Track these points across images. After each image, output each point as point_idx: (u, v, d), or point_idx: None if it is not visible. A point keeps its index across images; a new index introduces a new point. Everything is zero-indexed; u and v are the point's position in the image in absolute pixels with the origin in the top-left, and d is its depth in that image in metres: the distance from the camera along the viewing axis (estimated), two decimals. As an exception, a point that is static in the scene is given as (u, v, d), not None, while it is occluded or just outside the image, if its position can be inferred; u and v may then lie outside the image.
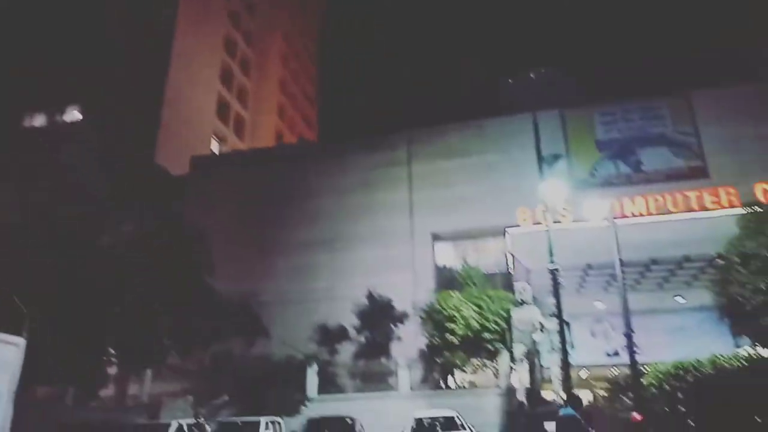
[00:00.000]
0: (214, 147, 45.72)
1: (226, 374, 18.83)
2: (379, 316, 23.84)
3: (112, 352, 15.76)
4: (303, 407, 18.49)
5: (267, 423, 15.52)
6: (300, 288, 27.42)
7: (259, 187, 30.00)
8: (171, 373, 18.58)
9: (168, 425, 14.81)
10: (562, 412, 9.95)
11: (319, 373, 20.21)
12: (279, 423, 16.27)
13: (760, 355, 9.91)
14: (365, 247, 27.75)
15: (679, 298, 26.94)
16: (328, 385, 20.15)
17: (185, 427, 15.09)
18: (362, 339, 24.44)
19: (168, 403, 19.16)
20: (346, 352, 23.94)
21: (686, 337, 24.13)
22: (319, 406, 17.65)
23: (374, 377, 20.86)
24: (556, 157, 26.39)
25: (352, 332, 24.38)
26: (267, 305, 23.28)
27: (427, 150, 28.90)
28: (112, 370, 17.45)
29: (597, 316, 28.22)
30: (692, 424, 9.71)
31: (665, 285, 26.41)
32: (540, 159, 25.58)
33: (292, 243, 28.56)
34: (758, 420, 8.82)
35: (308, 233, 28.56)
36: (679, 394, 9.94)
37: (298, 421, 16.59)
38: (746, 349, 9.95)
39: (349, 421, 14.99)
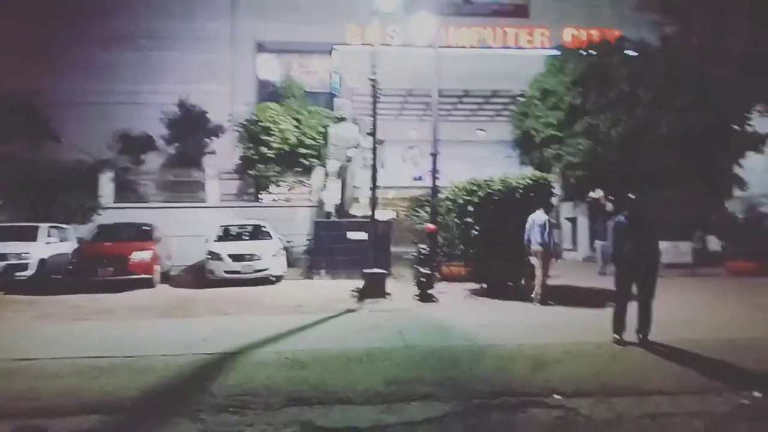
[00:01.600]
0: None
1: (7, 179, 16.42)
2: (191, 128, 22.20)
3: None
4: (96, 215, 17.13)
5: (48, 229, 14.08)
6: (99, 89, 23.85)
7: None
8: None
9: None
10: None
11: (119, 182, 18.59)
12: (65, 229, 14.92)
13: (543, 175, 11.16)
14: (179, 49, 24.63)
15: (480, 132, 29.53)
16: (129, 194, 18.75)
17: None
18: (171, 150, 22.82)
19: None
20: (152, 162, 22.30)
21: (481, 166, 26.61)
22: (118, 215, 16.43)
23: (183, 189, 19.91)
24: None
25: (160, 143, 22.58)
26: (57, 106, 20.16)
27: (255, -56, 25.23)
28: None
29: (410, 143, 29.92)
30: (476, 231, 10.89)
31: (472, 118, 28.52)
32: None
33: (90, 36, 24.12)
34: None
35: (110, 26, 24.24)
36: (470, 207, 10.96)
37: (90, 228, 15.33)
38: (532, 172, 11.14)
39: (146, 228, 14.26)
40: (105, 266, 12.39)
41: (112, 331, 8.04)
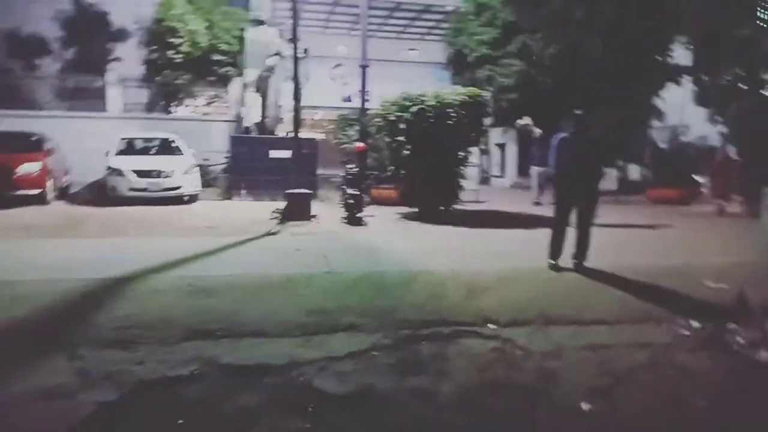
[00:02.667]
0: None
1: None
2: (90, 29, 19.69)
3: None
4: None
5: None
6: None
7: None
8: None
9: None
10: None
11: (4, 86, 16.20)
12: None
13: (478, 92, 10.48)
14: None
15: (412, 51, 28.32)
16: (17, 101, 16.44)
17: None
18: (68, 55, 20.30)
19: None
20: (49, 67, 19.76)
21: (413, 87, 25.72)
22: (5, 123, 14.29)
23: (83, 97, 17.77)
24: None
25: (55, 46, 19.98)
26: None
27: None
28: None
29: (338, 60, 28.22)
30: (407, 151, 10.20)
31: (403, 35, 27.18)
32: None
33: None
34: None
35: None
36: (401, 125, 10.19)
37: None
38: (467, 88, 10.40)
39: (36, 138, 12.47)
40: (-16, 180, 10.73)
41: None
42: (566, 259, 6.49)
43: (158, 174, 11.99)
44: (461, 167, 10.44)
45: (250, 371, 3.79)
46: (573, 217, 6.46)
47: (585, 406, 3.45)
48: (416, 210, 11.02)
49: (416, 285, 5.75)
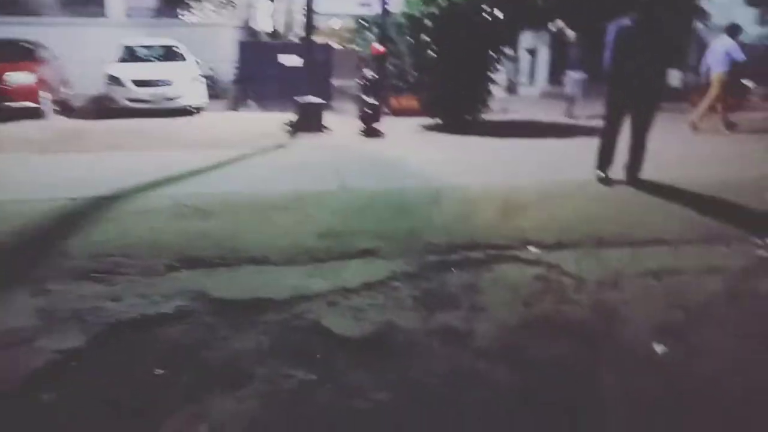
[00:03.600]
0: None
1: None
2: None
3: None
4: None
5: None
6: None
7: None
8: None
9: None
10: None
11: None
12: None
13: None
14: None
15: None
16: (11, 6, 15.31)
17: None
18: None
19: None
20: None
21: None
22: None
23: (81, 2, 16.53)
24: None
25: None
26: None
27: None
28: None
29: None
30: (433, 53, 9.09)
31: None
32: None
33: None
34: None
35: None
36: (427, 21, 9.01)
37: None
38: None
39: (28, 46, 11.54)
40: (-28, 91, 9.98)
41: None
42: (617, 171, 5.63)
43: (159, 83, 11.09)
44: (493, 70, 9.33)
45: (245, 307, 3.15)
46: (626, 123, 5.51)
47: (657, 348, 2.75)
48: (440, 121, 10.07)
49: (442, 203, 5.00)
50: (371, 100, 9.12)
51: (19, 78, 10.35)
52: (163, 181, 5.47)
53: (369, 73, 9.80)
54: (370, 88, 9.37)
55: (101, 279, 3.47)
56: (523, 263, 3.86)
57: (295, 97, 9.08)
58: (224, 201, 4.85)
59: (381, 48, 10.38)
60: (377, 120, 9.16)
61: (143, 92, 10.92)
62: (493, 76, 9.47)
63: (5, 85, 10.18)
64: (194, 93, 11.53)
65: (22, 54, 11.22)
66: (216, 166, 6.28)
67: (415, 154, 7.36)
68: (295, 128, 8.96)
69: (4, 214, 4.40)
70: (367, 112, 9.11)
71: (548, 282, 3.59)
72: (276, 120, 10.18)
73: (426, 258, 3.87)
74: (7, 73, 10.29)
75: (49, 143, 7.77)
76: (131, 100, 10.92)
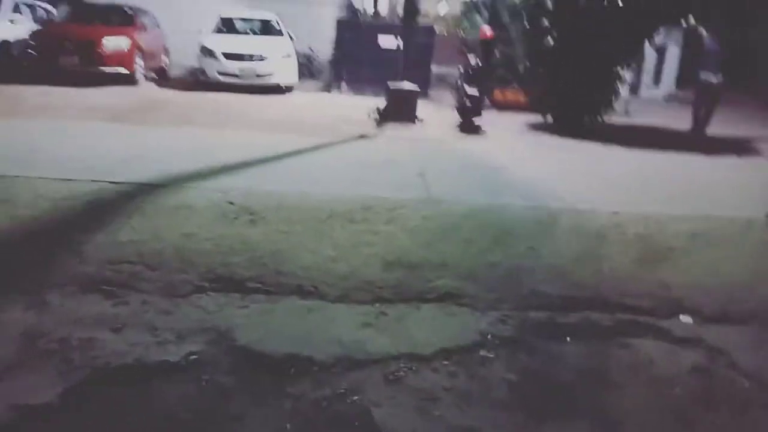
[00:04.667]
0: None
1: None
2: None
3: None
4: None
5: (16, 4, 11.48)
6: None
7: None
8: None
9: None
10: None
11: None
12: (36, 8, 12.21)
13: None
14: None
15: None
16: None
17: None
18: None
19: None
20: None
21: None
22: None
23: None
24: None
25: None
26: None
27: None
28: None
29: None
30: (552, 40, 7.78)
31: None
32: None
33: None
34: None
35: None
36: (549, 2, 7.70)
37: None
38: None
39: (128, 11, 11.40)
40: (68, 54, 9.88)
41: (18, 133, 5.80)
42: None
43: (251, 58, 10.53)
44: (624, 66, 7.85)
45: (275, 367, 2.27)
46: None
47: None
48: (550, 120, 8.74)
49: (557, 233, 3.85)
50: (473, 91, 7.98)
51: (113, 42, 10.18)
52: (220, 169, 4.73)
53: (473, 59, 8.62)
54: (472, 76, 8.21)
55: (111, 294, 2.73)
56: (672, 341, 2.70)
57: (388, 83, 8.10)
58: (280, 202, 4.00)
59: (489, 31, 9.14)
60: (478, 114, 8.03)
61: (234, 66, 10.43)
62: (622, 73, 7.99)
63: (102, 49, 10.04)
64: (286, 71, 10.90)
65: (122, 19, 11.09)
66: (285, 156, 5.47)
67: (522, 159, 6.18)
68: (384, 117, 8.02)
69: (28, 195, 3.80)
70: (466, 104, 7.99)
71: (712, 379, 2.41)
72: (367, 106, 9.31)
73: (529, 314, 2.81)
74: (105, 37, 10.15)
75: (125, 112, 7.36)
76: (221, 74, 10.47)
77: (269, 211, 3.78)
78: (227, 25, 11.87)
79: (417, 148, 6.31)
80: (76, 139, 5.64)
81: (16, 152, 4.89)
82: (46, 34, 10.29)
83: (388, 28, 11.99)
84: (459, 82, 8.71)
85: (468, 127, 7.96)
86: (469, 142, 7.20)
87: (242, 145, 5.80)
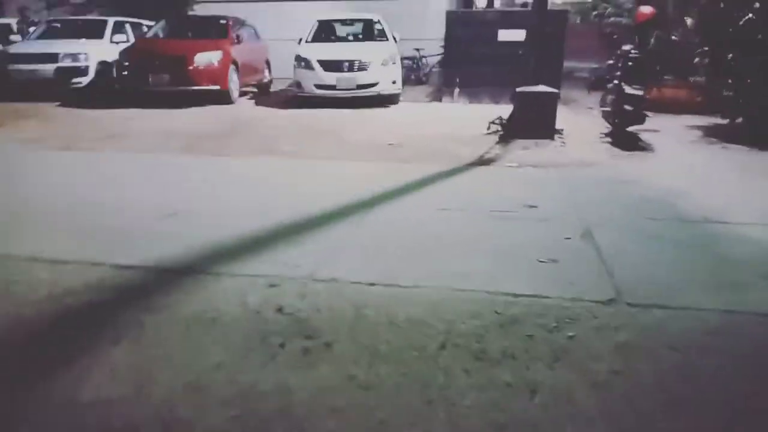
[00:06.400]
0: None
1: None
2: None
3: None
4: (190, 10, 13.76)
5: (118, 24, 11.17)
6: None
7: None
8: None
9: None
10: None
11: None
12: (141, 26, 11.88)
13: None
14: None
15: None
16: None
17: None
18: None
19: None
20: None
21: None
22: (216, 10, 12.94)
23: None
24: None
25: None
26: None
27: None
28: None
29: None
30: (751, 15, 5.53)
31: None
32: None
33: None
34: None
35: None
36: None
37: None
38: None
39: (222, 22, 10.50)
40: (159, 71, 9.17)
41: (54, 170, 4.80)
42: None
43: (351, 66, 9.18)
44: None
45: None
46: None
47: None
48: (729, 123, 6.46)
49: None
50: (635, 91, 5.92)
51: (205, 57, 9.35)
52: (280, 233, 3.27)
53: (628, 49, 6.52)
54: (631, 72, 6.15)
55: None
56: None
57: (516, 88, 6.25)
58: (359, 307, 2.40)
59: (649, 9, 6.96)
60: (641, 121, 5.97)
61: (331, 77, 9.13)
62: None
63: (193, 66, 9.24)
64: (390, 79, 9.39)
65: (216, 32, 10.28)
66: (375, 202, 3.89)
67: (735, 196, 4.09)
68: (510, 131, 6.22)
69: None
70: (624, 110, 5.97)
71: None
72: (484, 116, 7.57)
73: None
74: (197, 54, 9.35)
75: (202, 140, 6.26)
76: (318, 86, 9.21)
77: (339, 330, 2.22)
78: (325, 30, 10.65)
79: (565, 181, 4.46)
80: (116, 181, 4.52)
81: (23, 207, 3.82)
82: (136, 51, 9.71)
83: (509, 17, 10.11)
84: (609, 79, 6.66)
85: (626, 140, 5.94)
86: (636, 164, 5.16)
87: (323, 184, 4.36)
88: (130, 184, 4.39)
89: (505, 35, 9.83)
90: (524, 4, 11.84)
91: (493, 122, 6.52)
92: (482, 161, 5.15)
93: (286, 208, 3.68)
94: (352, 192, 4.06)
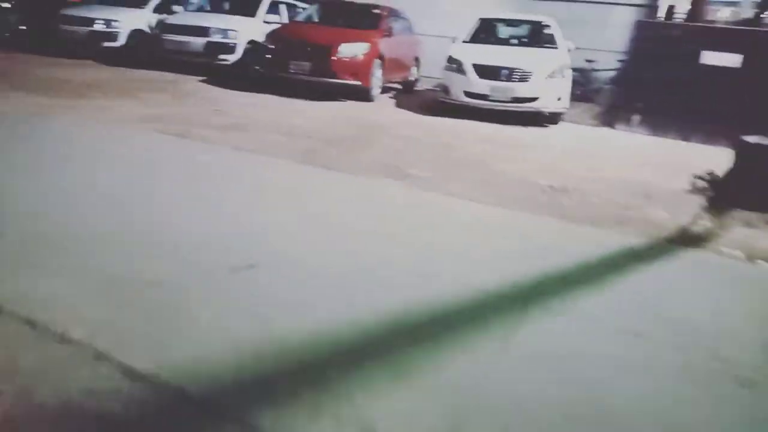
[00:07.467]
0: None
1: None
2: None
3: None
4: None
5: (273, 4, 10.87)
6: None
7: None
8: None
9: None
10: None
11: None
12: (295, 6, 11.47)
13: None
14: None
15: None
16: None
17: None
18: None
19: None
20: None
21: None
22: None
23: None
24: None
25: None
26: None
27: None
28: None
29: None
30: None
31: None
32: None
33: None
34: None
35: None
36: None
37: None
38: None
39: (375, 12, 9.64)
40: (300, 59, 8.50)
41: (152, 170, 4.08)
42: None
43: (510, 74, 7.84)
44: None
45: None
46: None
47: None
48: None
49: None
50: None
51: (350, 49, 8.53)
52: (376, 331, 2.15)
53: None
54: None
55: None
56: None
57: (742, 138, 4.51)
58: None
59: None
60: None
61: (484, 85, 7.85)
62: None
63: (337, 56, 8.47)
64: (555, 94, 7.90)
65: (370, 22, 9.44)
66: (533, 295, 2.61)
67: None
68: (725, 194, 4.53)
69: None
70: None
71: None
72: (678, 159, 5.88)
73: None
74: (343, 45, 8.57)
75: (325, 145, 5.28)
76: (468, 95, 7.98)
77: None
78: (486, 30, 9.37)
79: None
80: (202, 194, 3.68)
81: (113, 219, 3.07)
82: (281, 35, 9.14)
83: (719, 35, 8.12)
84: None
85: None
86: None
87: (456, 243, 3.15)
88: (216, 201, 3.53)
89: (710, 58, 7.86)
90: (745, 21, 9.62)
91: (700, 177, 4.85)
92: (689, 238, 3.60)
93: (382, 289, 2.54)
94: (499, 264, 2.82)
